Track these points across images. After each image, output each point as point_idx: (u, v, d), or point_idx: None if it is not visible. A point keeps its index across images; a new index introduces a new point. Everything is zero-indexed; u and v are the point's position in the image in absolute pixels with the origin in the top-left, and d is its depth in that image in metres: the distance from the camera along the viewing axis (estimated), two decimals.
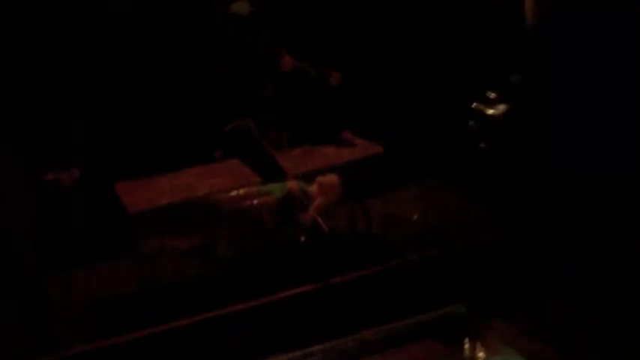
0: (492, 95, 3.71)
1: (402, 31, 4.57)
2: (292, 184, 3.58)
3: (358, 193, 3.93)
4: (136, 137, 4.12)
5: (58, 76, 3.98)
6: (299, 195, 3.53)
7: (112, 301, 3.73)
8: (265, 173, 3.69)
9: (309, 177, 3.67)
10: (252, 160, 3.80)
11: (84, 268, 3.95)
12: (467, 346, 3.05)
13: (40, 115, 3.95)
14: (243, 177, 3.70)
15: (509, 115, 3.65)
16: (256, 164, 3.77)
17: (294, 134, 4.10)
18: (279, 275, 3.49)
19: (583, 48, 3.11)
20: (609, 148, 3.06)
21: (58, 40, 3.95)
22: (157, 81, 4.20)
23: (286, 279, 3.38)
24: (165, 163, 3.83)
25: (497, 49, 4.04)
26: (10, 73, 3.76)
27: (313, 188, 3.59)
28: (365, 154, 3.96)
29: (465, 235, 3.87)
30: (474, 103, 3.74)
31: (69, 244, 3.84)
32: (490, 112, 3.70)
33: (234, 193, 3.53)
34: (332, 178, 3.64)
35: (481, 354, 3.02)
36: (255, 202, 3.50)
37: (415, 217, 4.23)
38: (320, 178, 3.63)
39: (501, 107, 3.68)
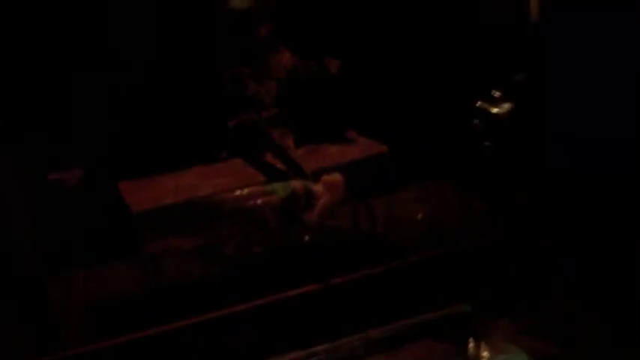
0: (497, 94, 3.71)
1: (405, 31, 4.57)
2: (296, 184, 3.57)
3: (362, 192, 3.93)
4: (139, 137, 4.11)
5: (58, 75, 3.96)
6: (303, 194, 3.53)
7: (114, 301, 3.70)
8: (272, 172, 3.68)
9: (314, 176, 3.67)
10: (260, 158, 3.79)
11: (84, 268, 3.92)
12: (471, 345, 3.04)
13: (40, 115, 3.93)
14: (247, 176, 3.70)
15: (514, 113, 3.65)
16: (264, 162, 3.76)
17: (298, 133, 4.09)
18: (282, 275, 3.48)
19: (584, 45, 3.11)
20: (610, 145, 3.05)
21: (58, 40, 3.93)
22: (158, 80, 4.19)
23: (290, 278, 3.37)
24: (168, 163, 3.83)
25: (501, 47, 4.04)
26: (10, 73, 3.74)
27: (318, 187, 3.59)
28: (369, 153, 3.96)
29: (467, 234, 3.86)
30: (479, 102, 3.75)
31: (71, 245, 3.81)
32: (495, 110, 3.70)
33: (238, 192, 3.52)
34: (337, 177, 3.64)
35: (485, 353, 3.01)
36: (259, 201, 3.50)
37: (419, 216, 4.22)
38: (325, 177, 3.63)
39: (506, 106, 3.68)
